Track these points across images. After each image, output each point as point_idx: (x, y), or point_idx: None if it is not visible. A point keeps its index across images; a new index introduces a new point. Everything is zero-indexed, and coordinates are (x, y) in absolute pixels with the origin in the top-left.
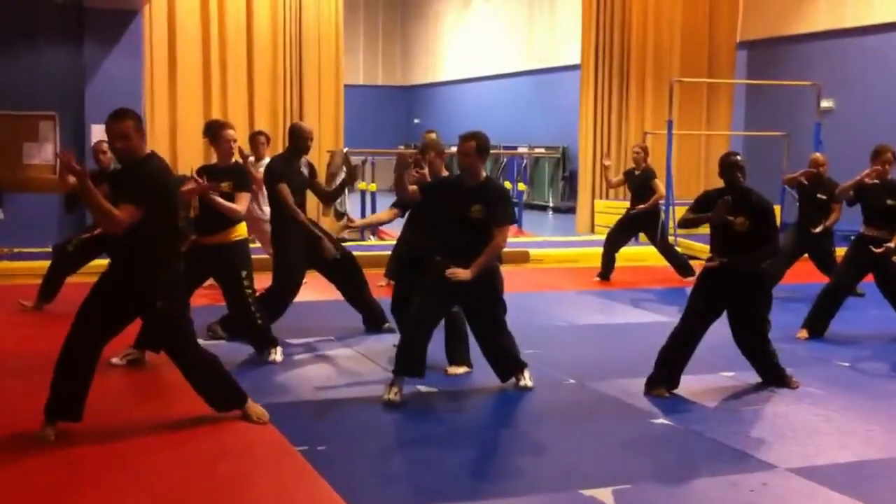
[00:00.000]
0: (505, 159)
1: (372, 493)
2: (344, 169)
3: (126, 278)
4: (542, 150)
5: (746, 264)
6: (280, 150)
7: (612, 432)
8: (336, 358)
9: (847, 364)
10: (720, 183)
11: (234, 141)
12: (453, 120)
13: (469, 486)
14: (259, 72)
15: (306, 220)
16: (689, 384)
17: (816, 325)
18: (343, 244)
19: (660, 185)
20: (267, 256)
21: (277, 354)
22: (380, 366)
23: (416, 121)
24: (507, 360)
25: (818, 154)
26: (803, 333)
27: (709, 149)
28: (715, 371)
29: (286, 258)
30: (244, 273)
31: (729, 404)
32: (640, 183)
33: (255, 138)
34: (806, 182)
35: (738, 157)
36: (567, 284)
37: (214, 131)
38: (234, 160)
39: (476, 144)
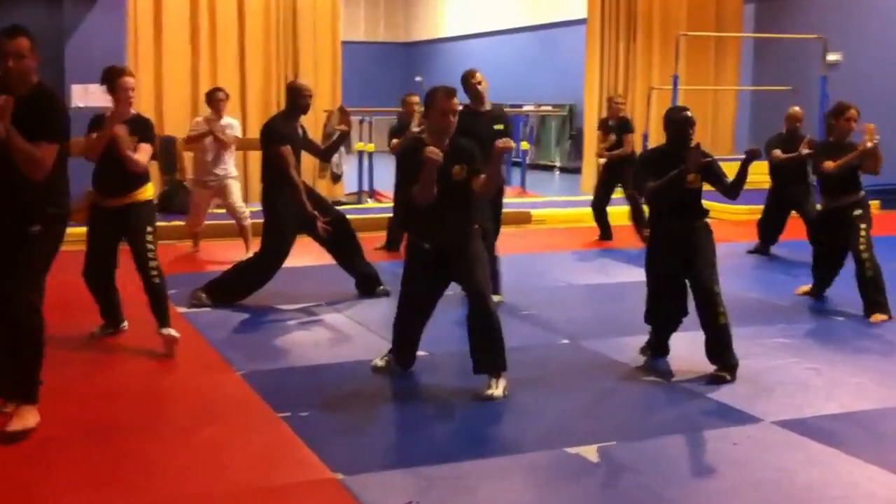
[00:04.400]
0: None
1: (354, 459)
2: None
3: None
4: (549, 109)
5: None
6: (273, 110)
7: (601, 391)
8: (326, 323)
9: (840, 318)
10: (729, 137)
11: (132, 90)
12: (456, 78)
13: (452, 449)
14: (251, 28)
15: (303, 190)
16: (681, 341)
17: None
18: (338, 207)
19: (630, 140)
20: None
21: (172, 330)
22: (370, 330)
23: (417, 79)
24: (489, 352)
25: (796, 108)
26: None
27: (717, 105)
28: None
29: (278, 223)
30: (149, 229)
31: None
32: (616, 133)
33: (214, 95)
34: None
35: (689, 113)
36: (568, 245)
37: (112, 79)
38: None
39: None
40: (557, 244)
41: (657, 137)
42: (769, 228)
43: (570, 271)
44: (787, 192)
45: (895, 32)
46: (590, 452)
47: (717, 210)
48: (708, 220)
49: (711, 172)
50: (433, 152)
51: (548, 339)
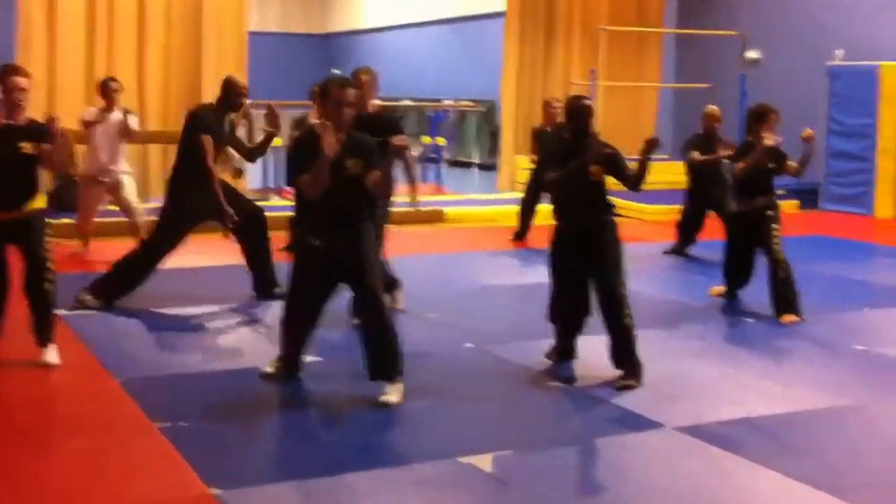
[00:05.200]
0: (430, 113)
1: (233, 472)
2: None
3: None
4: (469, 104)
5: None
6: (173, 103)
7: (502, 397)
8: (217, 328)
9: (752, 320)
10: (649, 135)
11: (23, 90)
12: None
13: (339, 460)
14: (152, 16)
15: (219, 185)
16: (589, 344)
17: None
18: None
19: None
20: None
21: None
22: (263, 335)
23: (335, 71)
24: (383, 357)
25: (713, 108)
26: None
27: (639, 102)
28: None
29: (179, 213)
30: (47, 238)
31: None
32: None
33: (107, 85)
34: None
35: (588, 102)
36: (481, 244)
37: (1, 78)
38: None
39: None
40: (470, 244)
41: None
42: (687, 229)
43: (481, 272)
44: (706, 192)
45: (814, 30)
46: (484, 462)
47: (635, 210)
48: (615, 218)
49: (613, 164)
50: (329, 144)
51: (451, 344)
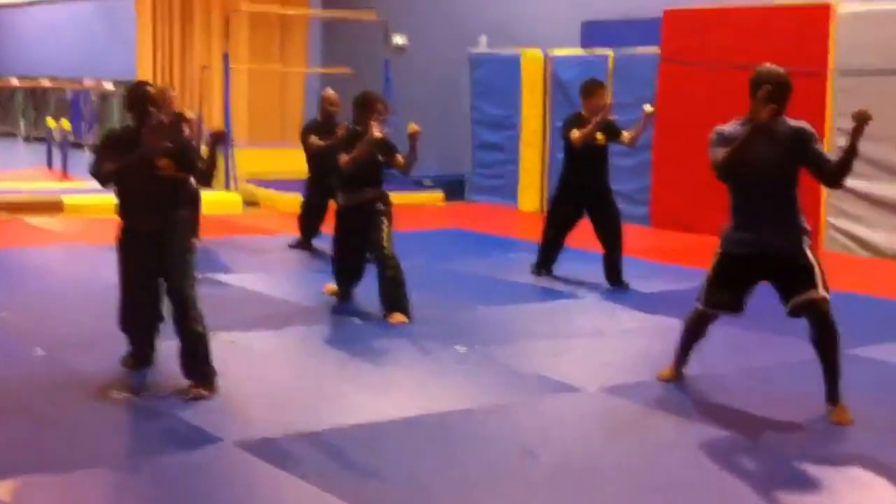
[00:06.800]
0: (69, 94)
1: None
2: None
3: None
4: (111, 87)
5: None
6: None
7: (50, 413)
8: None
9: (359, 320)
10: (299, 123)
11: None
12: (8, 50)
13: None
14: None
15: None
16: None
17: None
18: None
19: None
20: None
21: None
22: None
23: None
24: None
25: (329, 92)
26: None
27: (284, 88)
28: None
29: None
30: None
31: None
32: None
33: None
34: None
35: (151, 89)
36: (101, 238)
37: None
38: None
39: None
40: (87, 236)
41: (214, 121)
42: (309, 220)
43: (77, 268)
44: (328, 181)
45: (460, 16)
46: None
47: (271, 199)
48: (184, 215)
49: (181, 156)
50: None
51: (18, 351)
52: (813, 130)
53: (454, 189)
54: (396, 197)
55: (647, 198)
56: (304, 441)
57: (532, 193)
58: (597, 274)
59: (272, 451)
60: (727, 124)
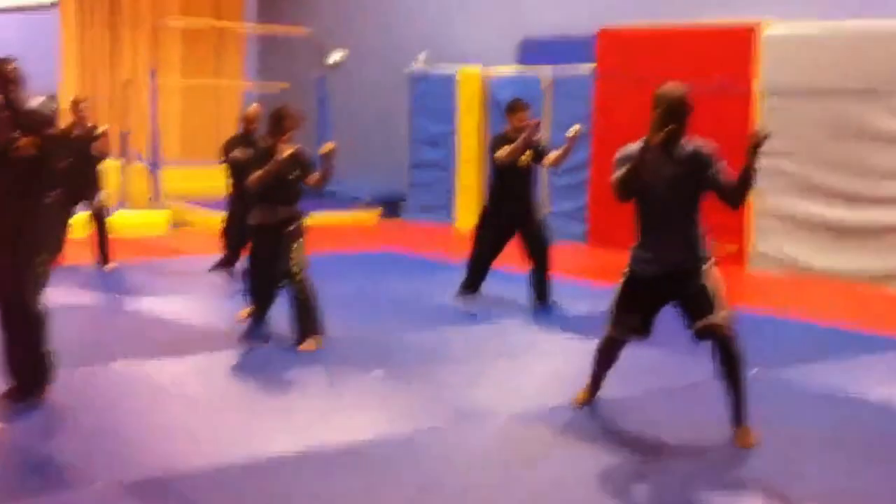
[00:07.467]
0: None
1: None
2: None
3: None
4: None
5: None
6: None
7: None
8: None
9: (269, 347)
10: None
11: None
12: None
13: None
14: None
15: None
16: None
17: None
18: None
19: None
20: None
21: None
22: None
23: None
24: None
25: (252, 108)
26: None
27: (220, 103)
28: None
29: None
30: None
31: None
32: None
33: None
34: None
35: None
36: None
37: None
38: None
39: None
40: None
41: (139, 136)
42: (232, 240)
43: None
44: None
45: (399, 33)
46: None
47: (202, 218)
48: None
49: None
50: None
51: None
52: (711, 151)
53: (391, 207)
54: (332, 216)
55: (585, 216)
56: (199, 479)
57: (469, 212)
58: (524, 295)
59: (158, 491)
60: (632, 144)
